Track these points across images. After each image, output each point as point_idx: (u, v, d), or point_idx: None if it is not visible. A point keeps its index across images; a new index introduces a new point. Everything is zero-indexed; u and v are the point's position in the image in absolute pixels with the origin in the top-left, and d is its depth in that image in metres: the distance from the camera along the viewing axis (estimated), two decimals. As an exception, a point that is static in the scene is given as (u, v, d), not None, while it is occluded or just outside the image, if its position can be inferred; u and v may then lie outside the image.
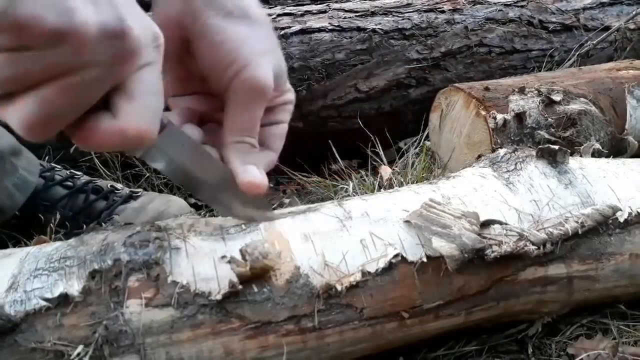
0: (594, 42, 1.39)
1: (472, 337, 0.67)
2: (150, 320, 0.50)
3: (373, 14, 1.31)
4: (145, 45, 0.38)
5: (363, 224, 0.59)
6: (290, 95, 0.59)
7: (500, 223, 0.61)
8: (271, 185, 1.22)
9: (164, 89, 0.41)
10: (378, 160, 1.10)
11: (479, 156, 0.79)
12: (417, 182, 0.93)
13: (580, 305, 0.68)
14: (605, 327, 0.69)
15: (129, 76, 0.38)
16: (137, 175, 1.16)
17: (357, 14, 1.30)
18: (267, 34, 0.53)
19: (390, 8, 1.34)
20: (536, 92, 0.99)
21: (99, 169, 1.09)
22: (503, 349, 0.67)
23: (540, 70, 1.35)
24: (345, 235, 0.58)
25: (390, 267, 0.56)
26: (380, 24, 1.29)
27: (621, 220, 0.66)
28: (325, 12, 1.31)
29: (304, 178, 1.15)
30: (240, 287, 0.52)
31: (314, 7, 1.33)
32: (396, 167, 1.09)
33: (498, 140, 0.93)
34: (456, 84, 1.06)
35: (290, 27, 1.25)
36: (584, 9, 1.49)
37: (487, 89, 0.99)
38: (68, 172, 0.97)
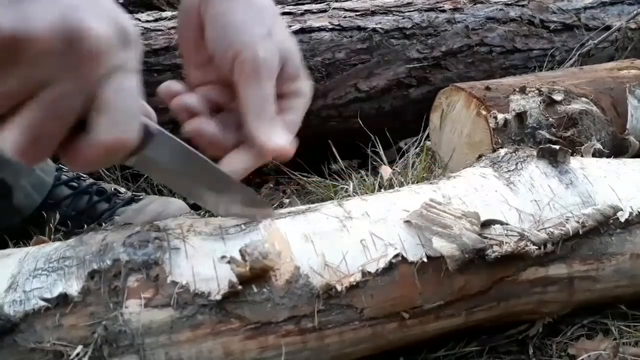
0: (595, 41, 1.39)
1: (472, 338, 0.66)
2: (150, 320, 0.50)
3: (373, 13, 1.31)
4: (111, 46, 0.36)
5: (363, 224, 0.59)
6: (304, 86, 0.56)
7: (501, 223, 0.60)
8: (271, 185, 1.22)
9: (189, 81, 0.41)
10: (378, 160, 1.10)
11: (480, 156, 0.79)
12: (417, 182, 0.93)
13: (581, 306, 0.68)
14: (606, 328, 0.69)
15: (100, 84, 0.36)
16: (137, 175, 1.16)
17: (357, 13, 1.30)
18: (270, 18, 0.52)
19: (391, 7, 1.33)
20: (537, 91, 0.99)
21: (99, 169, 1.09)
22: (504, 350, 0.66)
23: (541, 70, 1.35)
24: (345, 236, 0.58)
25: (390, 267, 0.56)
26: (380, 23, 1.29)
27: (622, 220, 0.66)
28: (325, 11, 1.31)
29: (304, 178, 1.15)
30: (240, 287, 0.51)
31: (314, 6, 1.33)
32: (396, 167, 1.08)
33: (499, 140, 0.93)
34: (457, 84, 1.05)
35: (290, 26, 1.24)
36: (585, 8, 1.49)
37: (488, 88, 0.99)
38: (74, 173, 0.99)
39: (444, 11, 1.35)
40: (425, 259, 0.57)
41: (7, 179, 0.88)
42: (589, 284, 0.65)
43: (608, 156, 0.83)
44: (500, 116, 0.93)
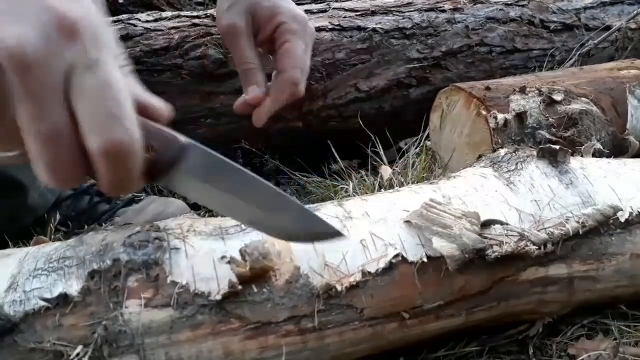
0: (595, 41, 1.39)
1: (472, 338, 0.66)
2: (150, 320, 0.50)
3: (373, 13, 1.30)
4: (38, 50, 0.31)
5: (363, 224, 0.59)
6: (281, 18, 0.73)
7: (501, 223, 0.60)
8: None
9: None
10: (378, 160, 1.10)
11: (480, 156, 0.79)
12: (417, 182, 0.93)
13: (581, 306, 0.68)
14: (606, 328, 0.69)
15: (62, 94, 0.33)
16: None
17: (357, 13, 1.30)
18: None
19: (391, 7, 1.33)
20: (537, 91, 0.99)
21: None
22: (504, 350, 0.66)
23: (541, 70, 1.35)
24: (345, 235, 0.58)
25: (390, 267, 0.56)
26: (380, 23, 1.29)
27: (622, 220, 0.66)
28: (325, 11, 1.31)
29: (304, 178, 1.15)
30: (240, 287, 0.51)
31: (314, 6, 1.33)
32: (396, 167, 1.08)
33: (499, 140, 0.93)
34: (457, 84, 1.05)
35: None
36: (585, 8, 1.49)
37: (488, 88, 0.99)
38: None
39: (444, 11, 1.35)
40: (425, 259, 0.57)
41: (24, 180, 0.89)
42: (589, 284, 0.65)
43: (608, 156, 0.83)
44: (500, 116, 0.93)
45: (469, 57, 1.33)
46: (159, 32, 1.20)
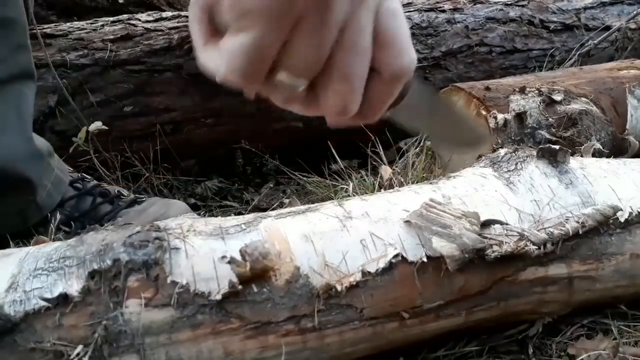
0: (595, 41, 1.39)
1: (472, 338, 0.66)
2: (150, 320, 0.50)
3: (373, 13, 1.30)
4: None
5: (363, 224, 0.59)
6: None
7: (500, 223, 0.60)
8: (271, 185, 1.22)
9: None
10: (378, 160, 1.10)
11: (480, 156, 0.79)
12: (417, 182, 0.93)
13: (580, 306, 0.68)
14: (606, 328, 0.69)
15: (366, 13, 0.33)
16: (137, 175, 1.16)
17: (357, 14, 1.30)
18: None
19: (391, 7, 1.33)
20: (537, 91, 0.99)
21: (99, 169, 1.09)
22: (503, 350, 0.66)
23: (541, 70, 1.35)
24: (345, 235, 0.58)
25: (390, 267, 0.56)
26: (380, 23, 1.29)
27: (622, 220, 0.66)
28: (325, 11, 1.30)
29: (304, 178, 1.15)
30: (240, 287, 0.51)
31: (314, 7, 1.33)
32: (396, 167, 1.08)
33: (499, 140, 0.93)
34: (457, 84, 1.05)
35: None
36: (585, 8, 1.49)
37: (487, 88, 0.99)
38: (79, 174, 1.00)
39: (444, 11, 1.35)
40: (425, 259, 0.57)
41: (34, 179, 0.89)
42: (588, 283, 0.65)
43: (608, 156, 0.83)
44: (500, 116, 0.93)
45: (469, 57, 1.33)
46: (159, 32, 1.20)
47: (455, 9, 1.37)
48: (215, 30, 0.35)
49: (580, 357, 0.62)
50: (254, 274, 0.52)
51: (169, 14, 1.28)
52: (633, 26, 1.47)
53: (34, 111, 0.96)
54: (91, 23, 1.24)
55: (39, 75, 1.09)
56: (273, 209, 0.80)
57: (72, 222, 0.93)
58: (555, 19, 1.44)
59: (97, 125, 1.02)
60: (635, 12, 1.46)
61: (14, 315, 0.48)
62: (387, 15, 0.35)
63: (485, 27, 1.36)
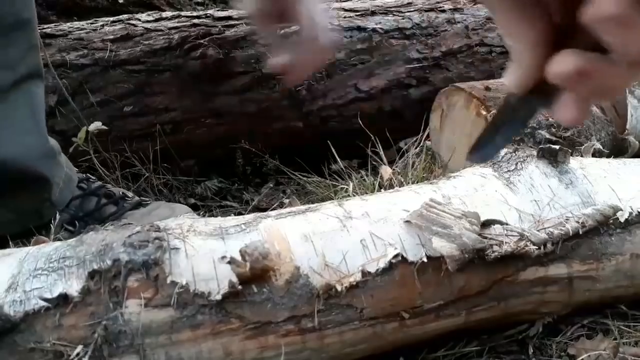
0: (595, 41, 1.38)
1: (472, 338, 0.66)
2: (150, 320, 0.50)
3: (373, 13, 1.31)
4: None
5: (363, 224, 0.59)
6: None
7: (500, 223, 0.60)
8: (271, 185, 1.22)
9: None
10: (378, 160, 1.10)
11: (480, 156, 0.79)
12: (417, 182, 0.93)
13: (580, 306, 0.68)
14: (606, 328, 0.69)
15: None
16: (136, 175, 1.16)
17: (357, 13, 1.30)
18: None
19: (391, 7, 1.33)
20: (537, 91, 0.98)
21: (98, 169, 1.09)
22: (503, 350, 0.66)
23: (541, 70, 1.35)
24: (345, 235, 0.58)
25: (390, 267, 0.56)
26: (380, 23, 1.29)
27: (622, 220, 0.66)
28: (325, 11, 1.30)
29: (304, 178, 1.15)
30: (240, 287, 0.51)
31: (314, 7, 1.33)
32: (396, 167, 1.08)
33: (499, 140, 0.92)
34: (457, 84, 1.05)
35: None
36: (585, 8, 1.49)
37: (488, 88, 0.99)
38: (84, 175, 1.01)
39: (444, 11, 1.35)
40: (425, 259, 0.57)
41: (48, 176, 0.89)
42: (588, 284, 0.65)
43: (608, 156, 0.83)
44: (500, 116, 0.93)
45: (469, 57, 1.33)
46: (159, 32, 1.20)
47: (455, 9, 1.37)
48: None
49: (581, 357, 0.62)
50: (254, 274, 0.52)
51: (169, 14, 1.28)
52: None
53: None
54: (91, 23, 1.24)
55: (39, 75, 1.09)
56: (273, 209, 0.80)
57: (76, 222, 0.93)
58: (555, 19, 1.44)
59: (96, 125, 1.02)
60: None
61: (13, 315, 0.48)
62: None
63: (486, 27, 1.36)
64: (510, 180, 0.67)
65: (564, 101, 0.38)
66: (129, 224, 0.59)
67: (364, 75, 1.25)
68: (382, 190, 0.91)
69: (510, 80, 0.38)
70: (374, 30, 1.27)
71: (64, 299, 0.49)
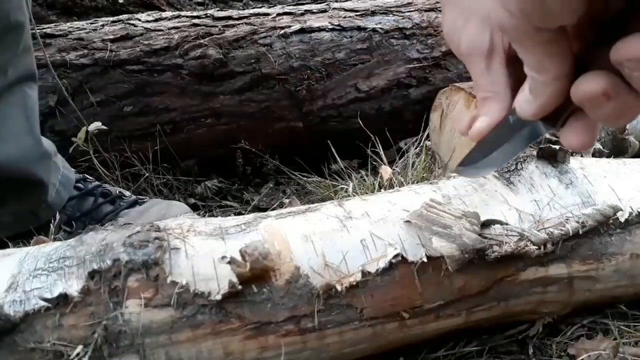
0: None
1: (472, 338, 0.66)
2: (150, 320, 0.50)
3: (373, 13, 1.30)
4: None
5: (363, 224, 0.59)
6: None
7: (501, 223, 0.60)
8: (271, 185, 1.22)
9: None
10: (378, 160, 1.10)
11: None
12: (417, 182, 0.93)
13: (580, 306, 0.68)
14: (606, 328, 0.69)
15: None
16: (136, 175, 1.16)
17: (357, 13, 1.30)
18: None
19: (391, 7, 1.33)
20: (537, 91, 0.98)
21: (98, 169, 1.09)
22: (504, 350, 0.66)
23: (541, 70, 1.34)
24: (346, 235, 0.58)
25: (390, 267, 0.56)
26: (380, 23, 1.29)
27: (622, 220, 0.66)
28: (325, 11, 1.31)
29: (304, 178, 1.15)
30: (240, 287, 0.51)
31: (314, 6, 1.33)
32: (396, 167, 1.08)
33: (499, 140, 0.92)
34: (457, 84, 1.05)
35: (290, 26, 1.24)
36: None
37: (487, 88, 0.98)
38: (81, 175, 1.01)
39: (444, 11, 1.35)
40: (425, 259, 0.57)
41: (44, 178, 0.90)
42: (588, 284, 0.65)
43: (608, 156, 0.83)
44: (500, 116, 0.93)
45: (469, 57, 1.33)
46: (159, 32, 1.20)
47: (455, 9, 1.37)
48: None
49: (581, 357, 0.62)
50: (254, 274, 0.52)
51: (168, 14, 1.28)
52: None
53: (34, 111, 0.96)
54: (91, 23, 1.24)
55: (39, 75, 1.09)
56: (273, 209, 0.80)
57: (73, 222, 0.93)
58: (555, 19, 1.44)
59: (96, 125, 1.02)
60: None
61: (13, 315, 0.48)
62: None
63: (485, 27, 1.36)
64: (511, 180, 0.67)
65: (573, 126, 0.39)
66: (129, 224, 0.59)
67: (364, 75, 1.25)
68: (382, 190, 0.91)
69: (525, 109, 0.39)
70: (374, 30, 1.27)
71: (64, 299, 0.49)
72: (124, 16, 1.28)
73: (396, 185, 0.99)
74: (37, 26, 1.11)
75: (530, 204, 0.65)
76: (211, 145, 1.22)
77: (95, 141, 1.05)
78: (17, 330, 0.48)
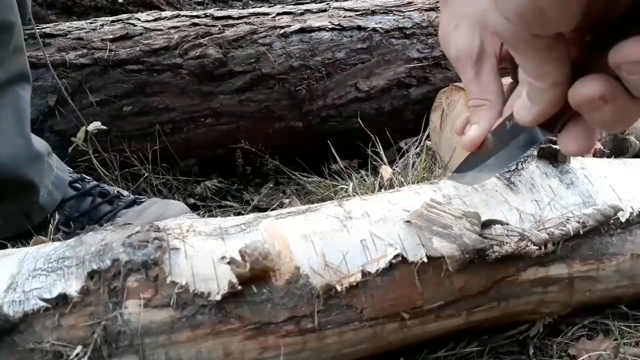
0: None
1: (473, 338, 0.66)
2: (149, 320, 0.50)
3: (373, 12, 1.30)
4: None
5: (363, 224, 0.59)
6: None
7: (501, 223, 0.60)
8: (271, 185, 1.22)
9: None
10: (378, 160, 1.10)
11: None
12: (417, 182, 0.92)
13: (581, 306, 0.68)
14: (607, 328, 0.69)
15: None
16: (136, 174, 1.16)
17: (357, 13, 1.30)
18: None
19: (391, 7, 1.33)
20: (537, 91, 0.98)
21: (98, 169, 1.09)
22: (504, 350, 0.66)
23: (541, 70, 1.34)
24: (346, 235, 0.58)
25: (390, 267, 0.56)
26: (380, 22, 1.29)
27: (623, 220, 0.66)
28: (325, 10, 1.30)
29: (304, 178, 1.15)
30: (239, 287, 0.51)
31: (314, 6, 1.33)
32: (397, 167, 1.08)
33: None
34: (457, 83, 1.05)
35: (290, 25, 1.24)
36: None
37: (487, 88, 0.98)
38: (79, 175, 1.01)
39: (444, 11, 1.35)
40: (425, 259, 0.57)
41: (35, 179, 0.89)
42: (589, 284, 0.65)
43: (609, 156, 0.83)
44: (500, 116, 0.93)
45: (469, 57, 1.33)
46: (159, 32, 1.20)
47: (455, 9, 1.36)
48: None
49: (581, 358, 0.62)
50: (254, 275, 0.52)
51: (168, 13, 1.28)
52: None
53: (33, 111, 0.96)
54: (90, 23, 1.24)
55: (39, 75, 1.09)
56: (273, 209, 0.80)
57: (71, 223, 0.93)
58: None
59: (96, 125, 1.02)
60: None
61: (13, 315, 0.48)
62: None
63: (486, 27, 1.36)
64: (511, 180, 0.67)
65: (571, 131, 0.39)
66: (128, 224, 0.58)
67: (364, 75, 1.25)
68: (382, 190, 0.91)
69: (523, 116, 0.39)
70: (374, 29, 1.27)
71: (63, 299, 0.49)
72: (124, 16, 1.28)
73: (396, 185, 0.99)
74: (37, 26, 1.11)
75: (531, 204, 0.64)
76: (211, 145, 1.22)
77: (95, 141, 1.05)
78: (17, 330, 0.48)
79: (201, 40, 1.18)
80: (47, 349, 0.47)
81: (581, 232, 0.62)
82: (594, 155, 0.85)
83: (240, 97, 1.19)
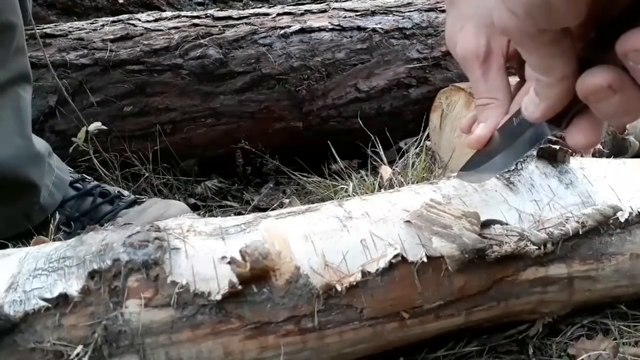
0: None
1: (472, 338, 0.66)
2: (150, 320, 0.50)
3: (373, 13, 1.31)
4: None
5: (363, 224, 0.59)
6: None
7: (500, 223, 0.60)
8: (271, 185, 1.22)
9: None
10: (378, 160, 1.10)
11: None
12: (417, 182, 0.93)
13: (581, 306, 0.68)
14: (606, 328, 0.69)
15: None
16: (136, 174, 1.16)
17: (357, 13, 1.30)
18: None
19: (391, 7, 1.33)
20: (537, 91, 0.98)
21: (98, 169, 1.09)
22: (503, 350, 0.66)
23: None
24: (346, 235, 0.58)
25: (390, 267, 0.56)
26: (380, 23, 1.29)
27: (622, 220, 0.66)
28: (325, 11, 1.31)
29: (304, 178, 1.15)
30: (240, 287, 0.51)
31: (314, 6, 1.33)
32: (396, 167, 1.08)
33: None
34: (457, 84, 1.05)
35: (290, 26, 1.24)
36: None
37: (487, 88, 0.98)
38: (80, 175, 1.01)
39: (444, 11, 1.35)
40: (425, 259, 0.57)
41: (36, 179, 0.90)
42: (588, 284, 0.65)
43: (608, 156, 0.83)
44: (500, 116, 0.93)
45: (469, 57, 1.33)
46: (159, 32, 1.20)
47: (455, 9, 1.37)
48: None
49: (581, 357, 0.62)
50: (254, 274, 0.52)
51: (168, 14, 1.28)
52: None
53: (34, 111, 0.96)
54: (91, 23, 1.24)
55: (39, 75, 1.09)
56: (273, 209, 0.80)
57: (72, 223, 0.93)
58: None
59: (96, 125, 1.02)
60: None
61: (13, 315, 0.48)
62: None
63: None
64: (510, 180, 0.67)
65: (578, 125, 0.39)
66: (129, 224, 0.59)
67: (364, 75, 1.25)
68: (382, 190, 0.91)
69: (532, 112, 0.39)
70: (374, 30, 1.27)
71: (64, 299, 0.49)
72: (124, 16, 1.28)
73: (396, 185, 0.99)
74: (37, 26, 1.11)
75: (530, 204, 0.65)
76: (211, 145, 1.22)
77: (95, 141, 1.05)
78: (17, 330, 0.48)
79: (201, 41, 1.18)
80: (47, 349, 0.48)
81: (580, 232, 0.62)
82: (593, 155, 0.85)
83: (240, 97, 1.19)
